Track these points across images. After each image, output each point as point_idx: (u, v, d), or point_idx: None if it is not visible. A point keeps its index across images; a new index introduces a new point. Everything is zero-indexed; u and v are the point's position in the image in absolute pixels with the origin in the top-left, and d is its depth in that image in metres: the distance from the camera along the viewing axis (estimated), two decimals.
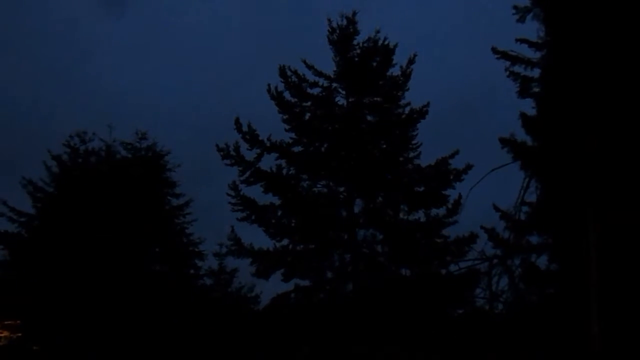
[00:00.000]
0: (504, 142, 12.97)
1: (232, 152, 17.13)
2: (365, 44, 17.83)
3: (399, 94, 17.81)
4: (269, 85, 17.70)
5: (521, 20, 12.98)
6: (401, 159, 17.35)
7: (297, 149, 17.47)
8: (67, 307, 17.10)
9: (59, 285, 17.34)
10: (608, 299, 7.23)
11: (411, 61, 17.57)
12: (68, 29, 57.57)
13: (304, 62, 17.77)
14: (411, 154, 17.48)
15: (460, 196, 16.36)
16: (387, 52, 17.79)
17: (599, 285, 7.25)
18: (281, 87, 17.79)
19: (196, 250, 20.34)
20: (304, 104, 17.89)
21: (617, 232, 7.45)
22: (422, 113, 17.39)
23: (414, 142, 17.49)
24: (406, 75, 17.61)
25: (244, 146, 17.35)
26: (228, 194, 17.06)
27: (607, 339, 7.20)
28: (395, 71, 17.81)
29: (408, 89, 17.81)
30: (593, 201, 7.61)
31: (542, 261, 13.40)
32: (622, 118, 8.73)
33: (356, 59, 17.85)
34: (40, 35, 54.37)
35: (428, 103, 17.52)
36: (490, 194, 13.83)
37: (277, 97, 17.65)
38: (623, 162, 7.50)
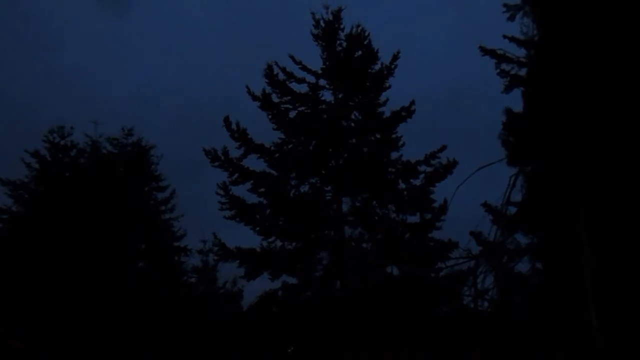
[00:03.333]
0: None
1: (220, 155, 16.92)
2: (349, 39, 17.69)
3: (382, 89, 17.77)
4: (247, 87, 17.37)
5: (511, 18, 12.93)
6: (387, 158, 17.35)
7: (285, 148, 17.36)
8: (50, 304, 16.92)
9: (42, 282, 17.14)
10: (604, 295, 7.33)
11: (395, 57, 17.61)
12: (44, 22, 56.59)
13: (292, 57, 17.56)
14: (397, 152, 17.49)
15: (444, 202, 16.50)
16: (370, 48, 17.74)
17: (594, 281, 7.35)
18: (268, 89, 17.51)
19: (181, 246, 20.32)
20: (291, 101, 17.69)
21: (610, 231, 7.55)
22: (409, 111, 17.42)
23: (399, 139, 17.46)
24: (390, 70, 17.62)
25: (231, 147, 17.16)
26: (217, 193, 16.89)
27: (607, 334, 7.32)
28: (378, 67, 17.72)
29: (389, 86, 17.85)
30: (584, 200, 7.68)
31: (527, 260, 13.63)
32: (614, 116, 8.83)
33: (342, 54, 17.73)
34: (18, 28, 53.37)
35: (413, 101, 17.53)
36: (480, 193, 13.90)
37: (262, 98, 17.39)
38: (615, 158, 7.56)
